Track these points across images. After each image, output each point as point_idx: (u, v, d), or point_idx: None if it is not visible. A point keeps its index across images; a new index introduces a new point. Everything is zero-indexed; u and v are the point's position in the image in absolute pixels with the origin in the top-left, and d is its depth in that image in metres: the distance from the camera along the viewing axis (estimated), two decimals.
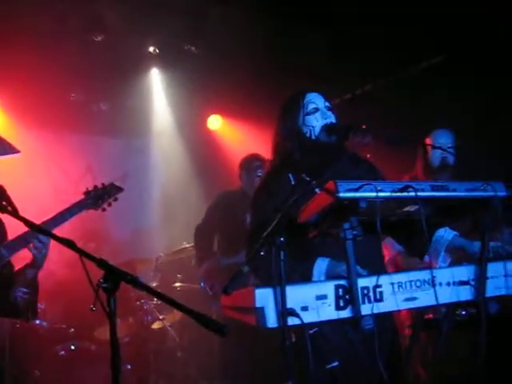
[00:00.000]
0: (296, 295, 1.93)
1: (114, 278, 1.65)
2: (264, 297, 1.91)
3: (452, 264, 2.85)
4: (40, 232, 1.82)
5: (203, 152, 6.70)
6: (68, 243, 1.72)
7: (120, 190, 2.95)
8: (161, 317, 4.82)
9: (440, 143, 3.50)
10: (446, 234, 2.61)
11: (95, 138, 6.56)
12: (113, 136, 6.64)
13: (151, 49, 5.65)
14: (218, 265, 4.41)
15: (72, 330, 4.72)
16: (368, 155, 3.79)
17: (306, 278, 2.29)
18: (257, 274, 2.06)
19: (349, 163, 2.57)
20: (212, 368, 5.07)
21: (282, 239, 1.89)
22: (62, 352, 4.29)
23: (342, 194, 1.92)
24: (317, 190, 2.21)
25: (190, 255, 5.46)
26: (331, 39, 4.99)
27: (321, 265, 2.33)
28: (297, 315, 1.88)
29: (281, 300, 1.86)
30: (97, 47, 5.35)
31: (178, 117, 6.50)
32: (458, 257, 2.88)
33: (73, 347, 4.41)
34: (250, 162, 4.48)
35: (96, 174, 6.54)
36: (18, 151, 2.58)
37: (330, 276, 2.28)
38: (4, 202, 1.95)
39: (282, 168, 2.62)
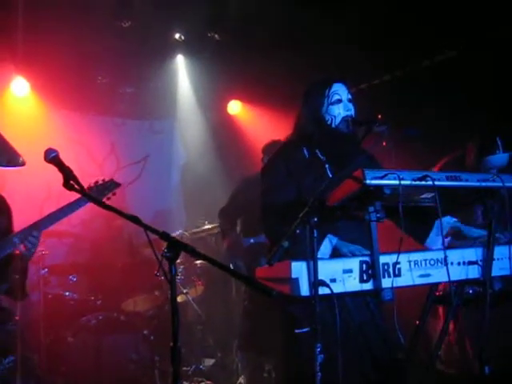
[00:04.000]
0: (326, 268, 2.21)
1: (176, 249, 1.93)
2: (299, 269, 2.19)
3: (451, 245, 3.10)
4: (105, 208, 2.08)
5: (223, 136, 6.96)
6: (133, 219, 1.99)
7: (118, 185, 3.19)
8: (184, 291, 5.11)
9: (494, 165, 3.72)
10: (445, 219, 2.83)
11: (119, 120, 6.79)
12: (136, 118, 6.88)
13: (177, 36, 5.89)
14: (240, 242, 4.70)
15: (99, 301, 5.02)
16: (384, 143, 4.03)
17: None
18: (293, 249, 2.31)
19: (366, 159, 2.84)
20: (228, 341, 5.40)
21: (315, 219, 2.17)
22: (93, 321, 4.58)
23: (368, 181, 2.19)
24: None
25: (211, 234, 5.77)
26: (352, 30, 5.19)
27: (330, 240, 2.59)
28: (327, 285, 2.16)
29: (313, 272, 2.14)
30: (124, 33, 5.58)
31: (200, 101, 6.75)
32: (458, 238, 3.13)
33: (100, 317, 4.69)
34: (272, 148, 4.71)
35: (119, 156, 6.83)
36: (23, 164, 2.78)
37: (335, 252, 2.55)
38: (72, 181, 2.21)
39: (299, 142, 2.88)
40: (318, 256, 2.20)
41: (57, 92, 5.94)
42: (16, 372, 2.69)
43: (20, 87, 5.89)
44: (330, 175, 2.75)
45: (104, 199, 3.11)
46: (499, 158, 3.74)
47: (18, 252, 2.90)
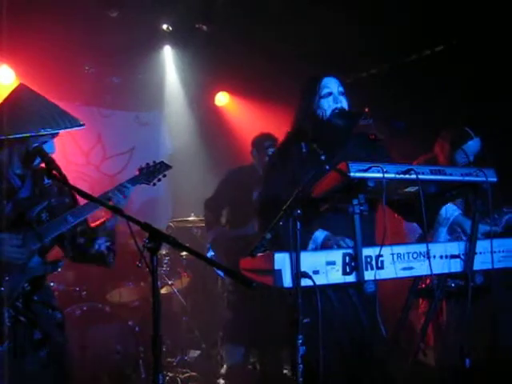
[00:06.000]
0: (309, 260, 2.22)
1: (157, 240, 1.93)
2: (282, 260, 2.20)
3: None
4: (87, 198, 2.07)
5: (210, 127, 6.94)
6: (115, 209, 1.99)
7: (168, 167, 3.11)
8: (170, 282, 5.10)
9: (470, 152, 3.75)
10: (446, 212, 2.82)
11: (106, 111, 6.75)
12: (123, 109, 6.84)
13: (164, 26, 5.85)
14: (224, 235, 4.71)
15: (84, 292, 5.00)
16: (372, 137, 4.01)
17: (303, 245, 2.46)
18: (276, 241, 2.32)
19: (357, 145, 2.83)
20: (213, 333, 5.42)
21: (298, 211, 2.17)
22: (78, 312, 4.56)
23: (352, 174, 2.20)
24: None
25: (197, 226, 5.77)
26: (340, 23, 5.17)
27: (319, 236, 2.60)
28: (310, 277, 2.17)
29: (296, 264, 2.14)
30: (112, 23, 5.54)
31: (187, 93, 6.72)
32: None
33: (85, 308, 4.67)
34: (262, 141, 4.70)
35: (106, 146, 6.79)
36: (82, 124, 2.77)
37: (323, 247, 2.55)
38: (54, 171, 2.20)
39: (296, 138, 2.90)
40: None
41: (43, 81, 5.82)
42: (52, 360, 2.68)
43: (5, 75, 5.83)
44: (328, 168, 2.73)
45: (155, 181, 3.06)
46: (474, 143, 3.78)
47: None
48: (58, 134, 2.71)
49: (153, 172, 3.04)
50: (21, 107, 2.66)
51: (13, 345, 2.50)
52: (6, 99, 2.74)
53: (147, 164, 3.07)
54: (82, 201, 2.86)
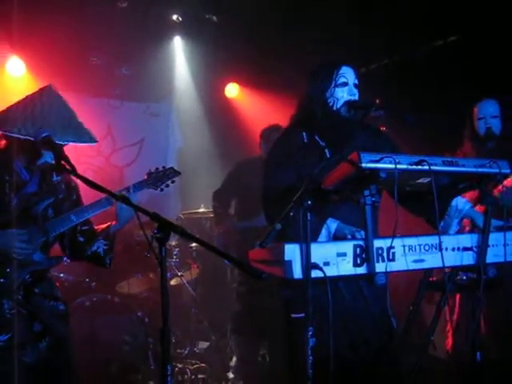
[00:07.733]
0: (319, 251, 2.20)
1: (166, 230, 1.91)
2: (292, 251, 2.18)
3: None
4: (97, 189, 2.06)
5: (220, 119, 6.91)
6: (123, 199, 1.98)
7: (177, 173, 3.12)
8: (179, 274, 5.10)
9: (484, 114, 3.68)
10: (458, 205, 2.75)
11: (116, 102, 6.73)
12: (133, 100, 6.81)
13: (174, 17, 5.83)
14: (234, 227, 4.69)
15: (94, 283, 5.00)
16: (383, 128, 3.98)
17: (314, 234, 2.47)
18: (286, 232, 2.30)
19: (366, 136, 2.80)
20: (223, 324, 5.41)
21: (309, 202, 2.15)
22: (88, 303, 4.57)
23: (364, 165, 2.17)
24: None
25: (207, 218, 5.76)
26: (351, 13, 5.13)
27: (330, 225, 2.56)
28: (320, 269, 2.15)
29: (306, 255, 2.12)
30: (121, 13, 5.52)
31: (197, 84, 6.69)
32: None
33: (95, 299, 4.68)
34: (270, 133, 4.68)
35: (116, 137, 6.79)
36: (95, 141, 2.76)
37: (336, 236, 2.53)
38: (63, 162, 2.18)
39: (299, 125, 2.86)
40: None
41: (53, 72, 5.86)
42: (52, 351, 2.67)
43: (16, 67, 5.83)
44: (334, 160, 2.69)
45: (163, 186, 3.07)
46: (488, 103, 3.72)
47: None
48: (66, 144, 2.71)
49: (161, 177, 3.05)
50: (39, 109, 2.65)
51: (12, 336, 2.50)
52: (29, 96, 2.74)
53: (156, 168, 3.08)
54: (85, 198, 2.88)
